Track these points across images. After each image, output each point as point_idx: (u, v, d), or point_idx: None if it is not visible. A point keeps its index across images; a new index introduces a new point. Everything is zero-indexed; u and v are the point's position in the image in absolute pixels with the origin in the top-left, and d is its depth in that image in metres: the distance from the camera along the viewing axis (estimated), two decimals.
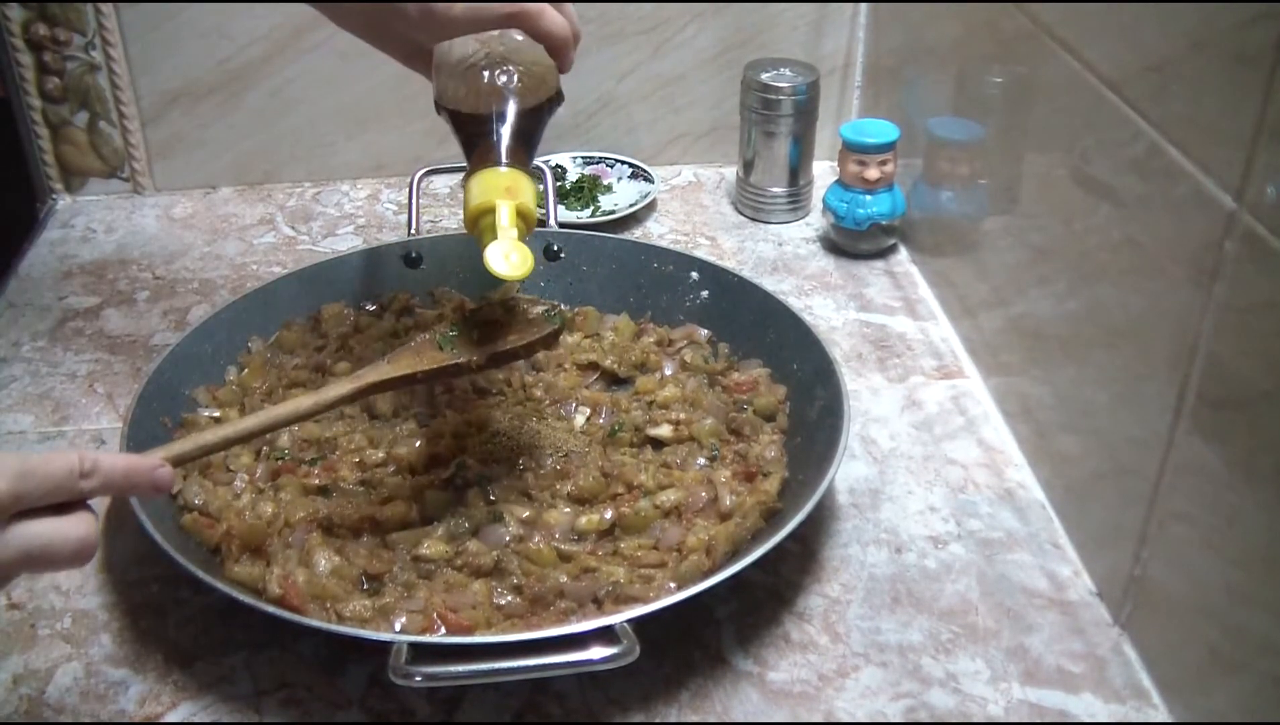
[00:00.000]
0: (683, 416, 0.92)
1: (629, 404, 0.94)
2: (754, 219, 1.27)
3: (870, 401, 1.00)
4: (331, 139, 1.31)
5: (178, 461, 0.69)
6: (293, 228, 1.26)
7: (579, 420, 0.92)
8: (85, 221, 1.27)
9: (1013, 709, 0.73)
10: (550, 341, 0.85)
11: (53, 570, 0.70)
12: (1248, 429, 0.65)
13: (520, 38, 0.80)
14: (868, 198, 1.16)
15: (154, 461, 0.65)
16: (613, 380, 0.98)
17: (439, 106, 0.82)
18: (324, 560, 0.78)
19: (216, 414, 0.92)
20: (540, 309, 0.86)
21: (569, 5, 0.79)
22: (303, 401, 0.77)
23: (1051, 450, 0.90)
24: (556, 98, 0.82)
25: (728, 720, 0.73)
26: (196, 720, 0.73)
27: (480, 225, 0.76)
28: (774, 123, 1.22)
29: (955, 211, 1.10)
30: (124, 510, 0.80)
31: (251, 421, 0.75)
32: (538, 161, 1.19)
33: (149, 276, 1.17)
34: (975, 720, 0.73)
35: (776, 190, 1.26)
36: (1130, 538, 0.76)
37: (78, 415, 0.98)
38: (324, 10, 0.84)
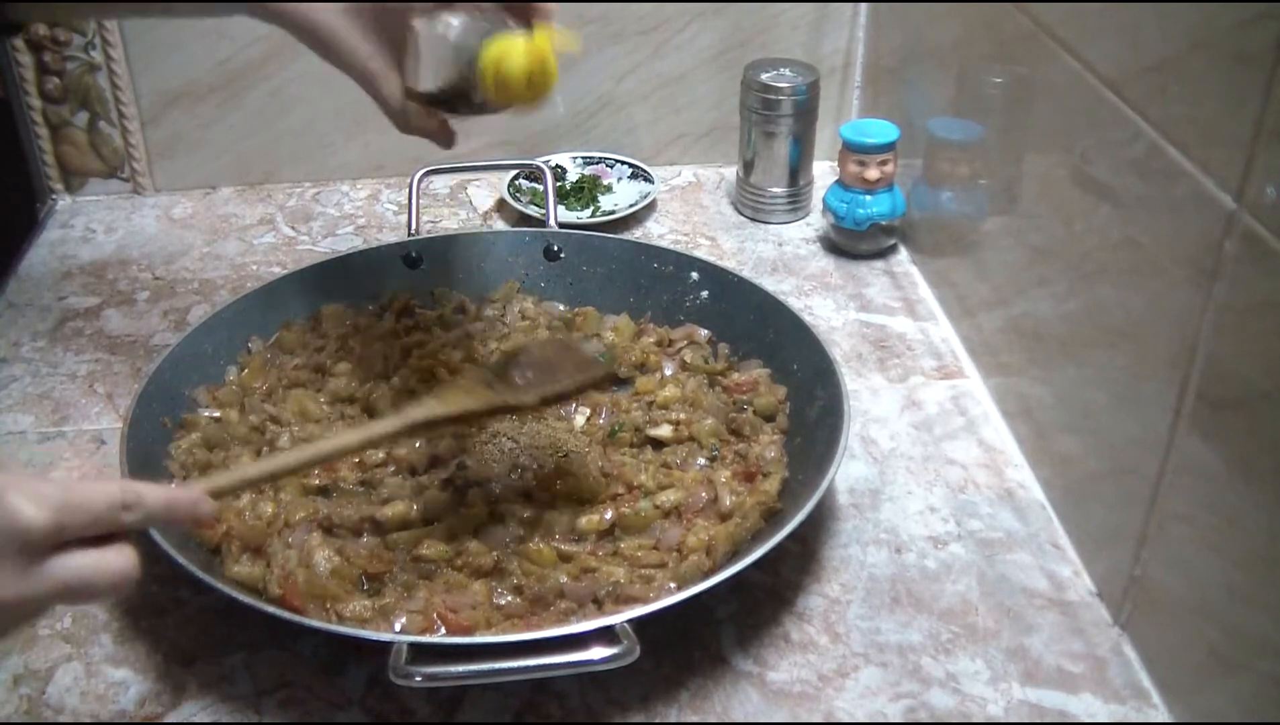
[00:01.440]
0: (683, 417, 0.92)
1: (629, 404, 0.94)
2: (754, 219, 1.27)
3: (870, 401, 1.00)
4: (331, 139, 1.31)
5: (218, 494, 0.67)
6: (293, 228, 1.26)
7: (579, 420, 0.92)
8: (85, 222, 1.27)
9: (1013, 709, 0.73)
10: (602, 383, 0.85)
11: (90, 603, 0.68)
12: (1248, 429, 0.65)
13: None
14: (868, 198, 1.16)
15: (195, 495, 0.64)
16: (613, 380, 0.98)
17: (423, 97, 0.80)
18: (324, 560, 0.78)
19: (217, 414, 0.92)
20: (591, 348, 0.85)
21: None
22: (349, 438, 0.77)
23: (1051, 450, 0.90)
24: None
25: (728, 720, 0.73)
26: (196, 720, 0.73)
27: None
28: (774, 123, 1.22)
29: (955, 211, 1.10)
30: None
31: (295, 456, 0.75)
32: (538, 161, 1.20)
33: (149, 276, 1.17)
34: (975, 720, 0.73)
35: (776, 190, 1.26)
36: (1130, 538, 0.76)
37: (78, 415, 0.98)
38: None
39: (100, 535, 0.58)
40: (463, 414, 0.78)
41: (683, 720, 0.73)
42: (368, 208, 1.29)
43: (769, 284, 1.06)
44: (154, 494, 0.60)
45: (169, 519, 0.63)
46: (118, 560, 0.57)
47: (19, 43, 1.21)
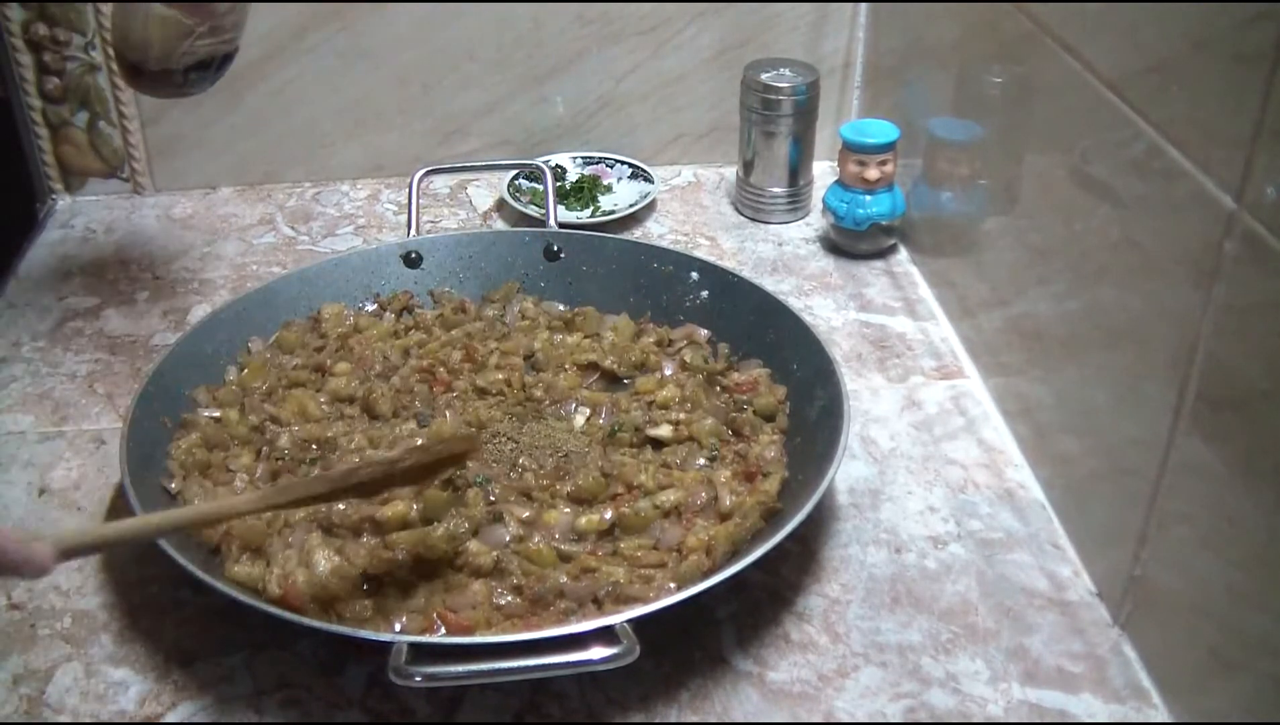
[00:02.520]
0: (683, 416, 0.92)
1: (629, 404, 0.94)
2: (754, 219, 1.27)
3: (870, 401, 1.00)
4: (331, 139, 1.31)
5: (68, 554, 0.66)
6: (293, 228, 1.26)
7: (579, 420, 0.92)
8: (85, 222, 1.27)
9: (1012, 709, 0.74)
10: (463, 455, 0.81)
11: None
12: (1248, 429, 0.65)
13: None
14: (868, 198, 1.16)
15: (35, 552, 0.63)
16: (613, 380, 0.98)
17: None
18: (324, 560, 0.78)
19: (217, 414, 0.92)
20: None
21: None
22: (230, 503, 0.77)
23: (1051, 450, 0.90)
24: None
25: (728, 720, 0.73)
26: (196, 720, 0.73)
27: None
28: (774, 123, 1.22)
29: (955, 211, 1.10)
30: (124, 510, 0.80)
31: (159, 519, 0.74)
32: (538, 161, 1.20)
33: (149, 276, 1.17)
34: (975, 720, 0.73)
35: (776, 190, 1.26)
36: (1130, 538, 0.76)
37: (78, 415, 0.98)
38: None
39: None
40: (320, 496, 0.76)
41: (683, 720, 0.73)
42: (368, 208, 1.29)
43: (769, 284, 1.06)
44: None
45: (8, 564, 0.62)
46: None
47: (19, 43, 1.21)
